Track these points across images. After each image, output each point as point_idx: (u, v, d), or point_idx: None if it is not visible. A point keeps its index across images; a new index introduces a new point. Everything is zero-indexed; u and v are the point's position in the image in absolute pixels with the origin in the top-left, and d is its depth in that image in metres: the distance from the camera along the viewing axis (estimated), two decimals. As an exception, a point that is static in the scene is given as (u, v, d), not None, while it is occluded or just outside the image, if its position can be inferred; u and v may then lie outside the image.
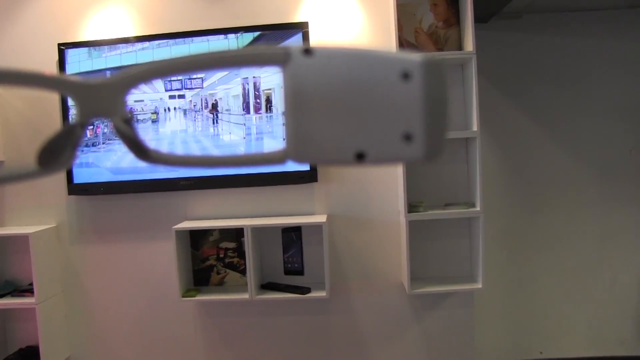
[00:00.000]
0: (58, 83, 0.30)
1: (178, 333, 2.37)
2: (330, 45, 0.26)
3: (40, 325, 2.21)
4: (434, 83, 0.25)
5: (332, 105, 0.26)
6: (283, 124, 0.27)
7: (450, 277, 2.25)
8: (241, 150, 2.27)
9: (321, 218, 2.17)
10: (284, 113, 0.27)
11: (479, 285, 2.14)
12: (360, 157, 0.26)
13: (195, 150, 2.30)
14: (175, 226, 2.18)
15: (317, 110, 0.26)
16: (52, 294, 2.31)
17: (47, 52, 2.29)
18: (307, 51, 0.26)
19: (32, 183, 2.35)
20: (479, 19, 2.20)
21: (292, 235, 2.25)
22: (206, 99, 2.27)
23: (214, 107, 2.28)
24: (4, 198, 2.38)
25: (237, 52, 0.27)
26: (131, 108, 2.29)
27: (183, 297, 2.17)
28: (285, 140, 0.27)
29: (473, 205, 2.15)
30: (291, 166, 2.20)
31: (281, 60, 0.26)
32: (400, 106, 0.25)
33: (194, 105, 2.29)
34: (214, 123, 2.29)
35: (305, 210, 2.27)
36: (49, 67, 2.30)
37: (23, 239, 2.23)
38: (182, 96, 2.30)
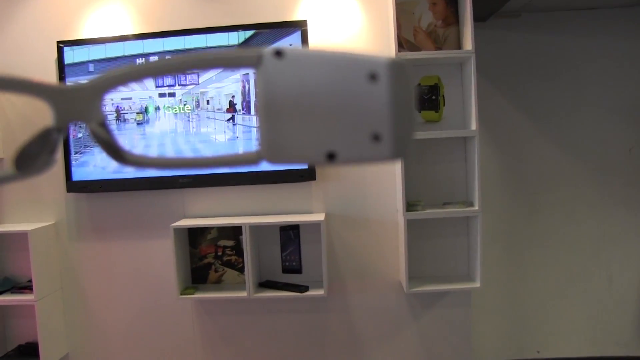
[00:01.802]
0: (31, 87, 0.29)
1: (176, 330, 2.37)
2: (301, 47, 0.26)
3: (39, 322, 2.22)
4: (400, 84, 0.26)
5: (303, 106, 0.26)
6: (257, 125, 0.29)
7: (447, 276, 2.25)
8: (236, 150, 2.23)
9: (319, 216, 2.18)
10: (257, 114, 0.28)
11: (477, 285, 2.14)
12: (331, 157, 0.26)
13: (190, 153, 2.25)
14: (174, 224, 2.18)
15: (289, 111, 0.26)
16: (50, 291, 2.32)
17: (46, 50, 2.30)
18: (278, 53, 0.26)
19: (30, 180, 2.35)
20: (477, 18, 2.20)
21: (290, 234, 2.25)
22: (198, 99, 2.22)
23: (232, 105, 2.21)
24: (2, 195, 2.39)
25: (209, 55, 0.28)
26: (118, 106, 2.23)
27: (181, 294, 2.18)
28: (259, 141, 0.27)
29: (471, 204, 2.15)
30: (289, 164, 2.20)
31: (253, 62, 0.27)
32: (368, 107, 0.26)
33: (184, 104, 2.22)
34: (232, 124, 2.18)
35: (303, 209, 2.28)
36: (48, 65, 2.30)
37: (22, 236, 2.23)
38: (172, 94, 2.24)
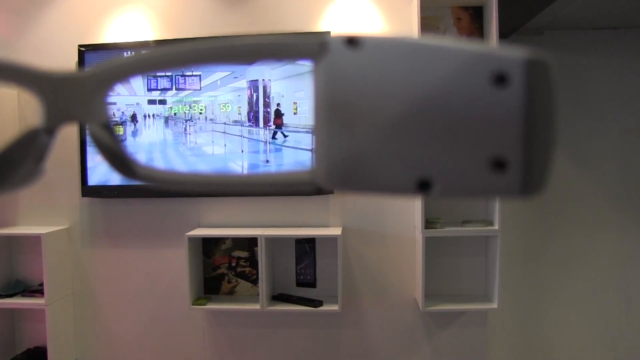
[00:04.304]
0: (11, 73, 0.23)
1: (186, 341, 2.34)
2: (385, 35, 0.20)
3: (49, 327, 2.19)
4: (541, 91, 0.19)
5: (385, 115, 0.20)
6: (312, 135, 0.21)
7: (464, 296, 2.21)
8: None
9: (336, 231, 2.15)
10: (314, 122, 0.21)
11: (494, 305, 2.10)
12: (424, 187, 0.20)
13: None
14: (188, 233, 2.16)
15: (362, 121, 0.20)
16: (61, 295, 2.30)
17: (67, 53, 2.29)
18: (352, 42, 0.20)
19: (45, 183, 2.34)
20: (499, 34, 2.17)
21: (306, 247, 2.22)
22: (189, 109, 1.97)
23: (278, 115, 1.92)
24: (17, 197, 2.38)
25: (252, 42, 0.21)
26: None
27: (193, 305, 2.15)
28: (314, 159, 0.21)
29: (491, 224, 2.12)
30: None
31: (314, 53, 0.20)
32: (490, 121, 0.19)
33: (175, 114, 1.98)
34: (282, 139, 1.88)
35: (319, 222, 2.25)
36: (69, 67, 2.30)
37: (35, 239, 2.22)
38: (163, 101, 1.98)
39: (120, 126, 1.98)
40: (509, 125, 0.19)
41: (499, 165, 0.19)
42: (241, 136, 2.07)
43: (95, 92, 0.23)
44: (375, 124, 0.20)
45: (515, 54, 0.19)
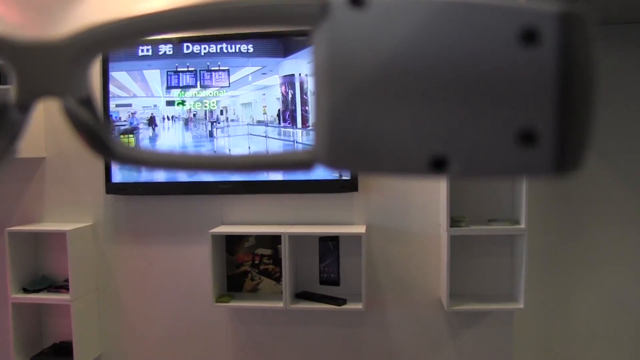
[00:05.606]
0: None
1: (209, 338, 2.35)
2: None
3: (74, 322, 2.22)
4: (577, 50, 0.16)
5: (394, 83, 0.17)
6: (313, 110, 0.19)
7: (489, 295, 2.18)
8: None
9: (360, 228, 2.13)
10: (314, 94, 0.19)
11: (521, 305, 2.06)
12: (438, 166, 0.17)
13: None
14: (212, 230, 2.16)
15: (368, 91, 0.17)
16: (86, 291, 2.32)
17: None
18: (357, 1, 0.17)
19: (70, 180, 2.36)
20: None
21: (330, 245, 2.21)
22: (211, 110, 1.78)
23: None
24: (43, 194, 2.41)
25: (242, 3, 0.19)
26: (110, 114, 1.85)
27: (216, 302, 2.15)
28: (315, 137, 0.19)
29: (517, 222, 2.08)
30: (331, 173, 2.12)
31: (313, 16, 0.18)
32: (517, 86, 0.16)
33: (194, 115, 1.83)
34: None
35: (343, 220, 2.23)
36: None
37: (60, 235, 2.24)
38: (181, 103, 1.85)
39: (131, 134, 1.80)
40: (539, 92, 0.16)
41: (527, 138, 0.16)
42: (294, 141, 1.85)
43: (75, 62, 0.20)
44: (383, 94, 0.17)
45: (546, 7, 0.16)
